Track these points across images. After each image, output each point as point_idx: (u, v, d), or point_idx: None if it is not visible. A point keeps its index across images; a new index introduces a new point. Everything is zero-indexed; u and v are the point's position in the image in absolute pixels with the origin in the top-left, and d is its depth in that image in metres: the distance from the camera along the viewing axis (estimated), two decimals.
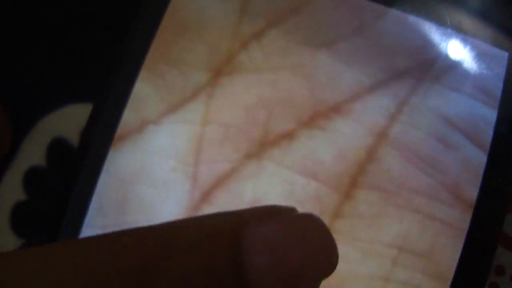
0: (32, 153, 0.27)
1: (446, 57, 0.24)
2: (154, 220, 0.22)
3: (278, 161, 0.23)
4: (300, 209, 0.23)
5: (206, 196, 0.23)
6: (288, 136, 0.23)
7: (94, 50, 0.26)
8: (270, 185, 0.23)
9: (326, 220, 0.23)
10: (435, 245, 0.23)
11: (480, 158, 0.23)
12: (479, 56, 0.24)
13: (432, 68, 0.24)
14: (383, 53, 0.24)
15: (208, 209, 0.22)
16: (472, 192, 0.23)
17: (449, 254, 0.23)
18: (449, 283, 0.23)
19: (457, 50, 0.24)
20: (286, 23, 0.24)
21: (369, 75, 0.23)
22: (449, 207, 0.23)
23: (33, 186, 0.27)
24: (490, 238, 0.23)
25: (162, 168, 0.23)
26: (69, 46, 0.27)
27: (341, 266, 0.22)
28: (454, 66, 0.24)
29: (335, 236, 0.22)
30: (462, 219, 0.23)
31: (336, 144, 0.23)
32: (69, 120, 0.26)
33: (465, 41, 0.24)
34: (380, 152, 0.23)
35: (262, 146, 0.23)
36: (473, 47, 0.24)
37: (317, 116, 0.23)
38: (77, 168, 0.23)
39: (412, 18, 0.24)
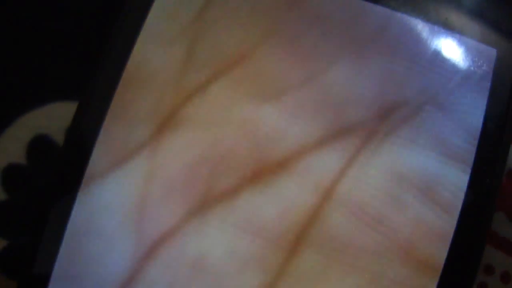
0: (11, 150, 0.27)
1: (401, 108, 0.23)
2: (100, 274, 0.23)
3: (221, 218, 0.23)
4: (244, 268, 0.22)
5: (150, 251, 0.23)
6: (232, 192, 0.23)
7: (83, 48, 0.26)
8: (213, 242, 0.23)
9: (269, 278, 0.22)
10: None
11: (433, 215, 0.23)
12: (436, 109, 0.23)
13: (386, 120, 0.23)
14: (333, 104, 0.23)
15: (153, 265, 0.23)
16: (424, 249, 0.23)
17: None
18: None
19: (413, 102, 0.23)
20: (231, 75, 0.23)
21: (317, 129, 0.23)
22: (399, 265, 0.22)
23: (13, 184, 0.28)
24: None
25: (109, 223, 0.23)
26: (57, 44, 0.27)
27: None
28: (409, 118, 0.23)
29: None
30: (414, 277, 0.23)
31: (280, 201, 0.22)
32: (54, 118, 0.26)
33: (422, 92, 0.23)
34: (327, 209, 0.22)
35: (205, 203, 0.23)
36: (432, 101, 0.23)
37: (262, 172, 0.23)
38: (61, 168, 0.23)
39: (366, 66, 0.23)
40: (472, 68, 0.23)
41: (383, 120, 0.23)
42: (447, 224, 0.22)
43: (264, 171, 0.23)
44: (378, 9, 0.23)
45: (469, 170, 0.23)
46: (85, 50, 0.26)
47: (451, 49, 0.23)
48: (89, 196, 0.23)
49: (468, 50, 0.23)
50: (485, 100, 0.22)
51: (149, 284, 0.23)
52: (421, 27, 0.23)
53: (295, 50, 0.23)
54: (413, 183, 0.22)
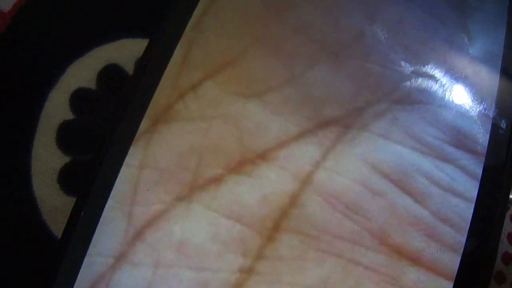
0: (82, 75, 0.29)
1: (374, 105, 0.25)
2: (92, 253, 0.24)
3: (206, 204, 0.24)
4: (225, 250, 0.24)
5: (139, 234, 0.24)
6: (216, 180, 0.24)
7: None
8: (197, 226, 0.24)
9: (249, 261, 0.24)
10: None
11: (407, 204, 0.24)
12: (409, 106, 0.25)
13: (360, 116, 0.25)
14: (312, 102, 0.25)
15: (140, 246, 0.24)
16: (398, 237, 0.24)
17: None
18: None
19: (386, 100, 0.25)
20: (221, 75, 0.25)
21: (296, 123, 0.25)
22: (373, 252, 0.24)
23: (80, 106, 0.30)
24: None
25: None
26: None
27: None
28: (382, 115, 0.25)
29: (257, 277, 0.23)
30: (387, 264, 0.23)
31: (261, 189, 0.24)
32: (125, 51, 0.28)
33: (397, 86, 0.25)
34: (304, 197, 0.24)
35: (192, 190, 0.24)
36: (405, 99, 0.25)
37: (244, 163, 0.24)
38: (130, 92, 0.25)
39: (343, 68, 0.25)
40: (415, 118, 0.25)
41: (357, 116, 0.24)
42: (421, 212, 0.24)
43: (247, 161, 0.24)
44: (357, 16, 0.26)
45: (440, 164, 0.24)
46: None
47: (423, 51, 0.25)
48: None
49: (436, 50, 0.25)
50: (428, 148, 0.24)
51: (136, 264, 0.24)
52: (395, 32, 0.25)
53: (279, 54, 0.25)
54: (387, 173, 0.24)
